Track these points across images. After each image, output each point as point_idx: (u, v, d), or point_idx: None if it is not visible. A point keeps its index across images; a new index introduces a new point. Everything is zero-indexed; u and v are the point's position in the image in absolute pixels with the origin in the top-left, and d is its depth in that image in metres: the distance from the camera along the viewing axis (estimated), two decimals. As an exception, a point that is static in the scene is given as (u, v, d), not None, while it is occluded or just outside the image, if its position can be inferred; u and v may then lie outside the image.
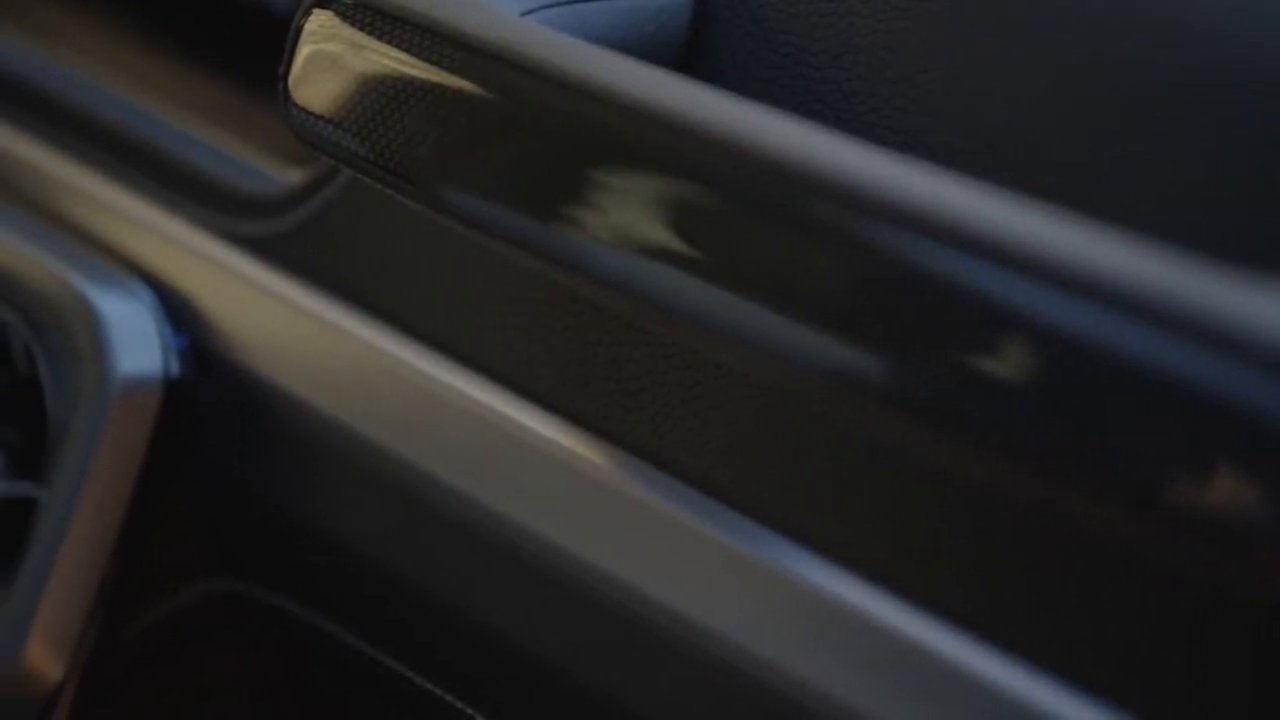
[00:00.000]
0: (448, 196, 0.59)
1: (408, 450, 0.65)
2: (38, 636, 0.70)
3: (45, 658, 0.70)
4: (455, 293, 0.65)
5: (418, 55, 0.57)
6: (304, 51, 0.59)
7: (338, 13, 0.58)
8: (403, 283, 0.67)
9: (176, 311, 0.71)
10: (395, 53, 0.57)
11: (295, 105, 0.60)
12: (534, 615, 0.62)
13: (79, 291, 0.70)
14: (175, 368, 0.70)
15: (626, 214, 0.55)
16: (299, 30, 0.59)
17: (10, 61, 0.79)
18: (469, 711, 0.65)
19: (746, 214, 0.53)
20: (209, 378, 0.70)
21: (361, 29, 0.58)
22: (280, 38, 0.64)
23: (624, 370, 0.62)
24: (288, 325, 0.69)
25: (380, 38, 0.57)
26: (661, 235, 0.54)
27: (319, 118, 0.59)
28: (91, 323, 0.69)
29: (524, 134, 0.57)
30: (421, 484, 0.64)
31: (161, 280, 0.72)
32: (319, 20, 0.59)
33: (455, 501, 0.63)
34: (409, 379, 0.65)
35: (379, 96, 0.58)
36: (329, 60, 0.59)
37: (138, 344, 0.70)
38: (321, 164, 0.69)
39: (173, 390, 0.70)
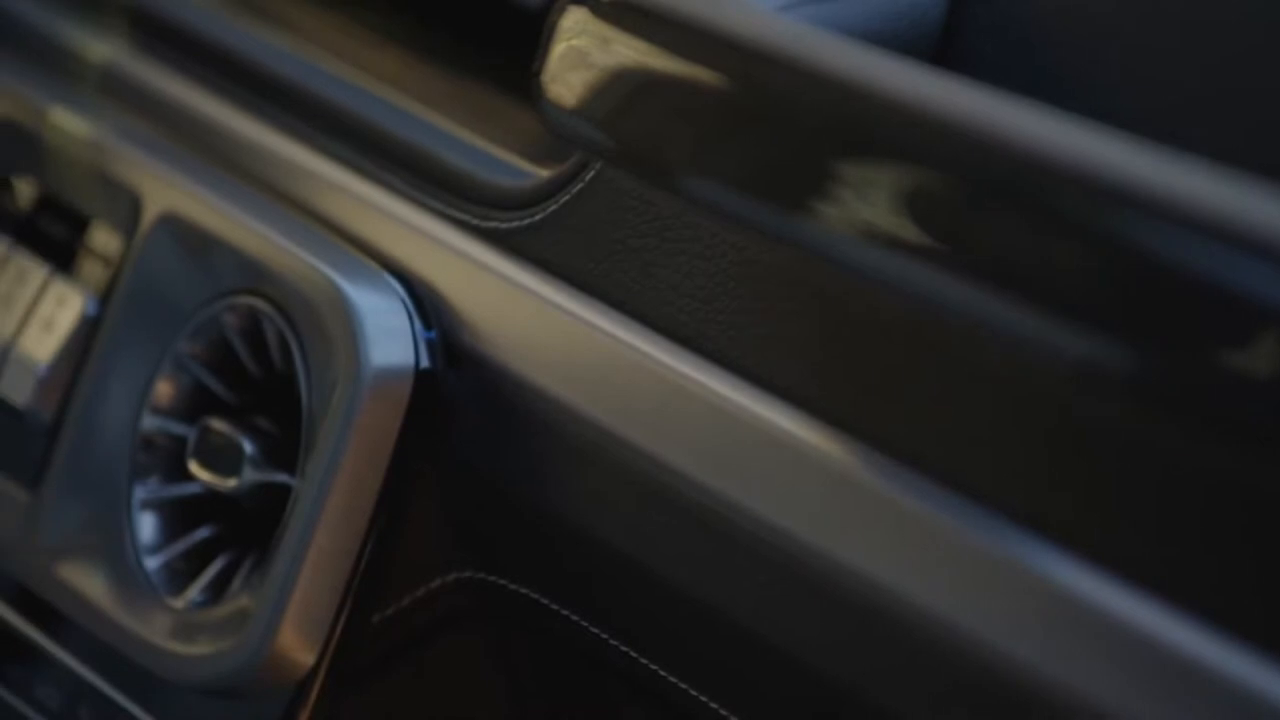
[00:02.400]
0: (699, 188, 0.59)
1: (652, 443, 0.65)
2: (290, 622, 0.71)
3: (297, 643, 0.72)
4: (701, 287, 0.66)
5: (672, 50, 0.57)
6: (559, 47, 0.60)
7: (593, 9, 0.59)
8: (650, 276, 0.67)
9: (427, 305, 0.72)
10: (650, 48, 0.58)
11: (549, 100, 0.60)
12: (775, 608, 0.62)
13: (334, 285, 0.71)
14: (425, 360, 0.71)
15: (881, 206, 0.55)
16: (554, 26, 0.60)
17: (269, 61, 0.81)
18: (711, 704, 0.65)
19: (999, 205, 0.53)
20: (458, 370, 0.71)
21: (617, 25, 0.59)
22: (532, 34, 0.65)
23: (869, 364, 0.61)
24: (536, 319, 0.69)
25: (635, 33, 0.58)
26: (913, 227, 0.54)
27: (573, 112, 0.60)
28: (346, 316, 0.70)
29: (778, 127, 0.57)
30: (665, 477, 0.65)
31: (413, 274, 0.73)
32: (574, 17, 0.59)
33: (699, 495, 0.64)
34: (655, 373, 0.66)
35: (633, 91, 0.59)
36: (584, 56, 0.59)
37: (390, 336, 0.71)
38: (571, 158, 0.69)
39: (423, 382, 0.71)
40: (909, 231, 0.54)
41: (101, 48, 0.85)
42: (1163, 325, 0.50)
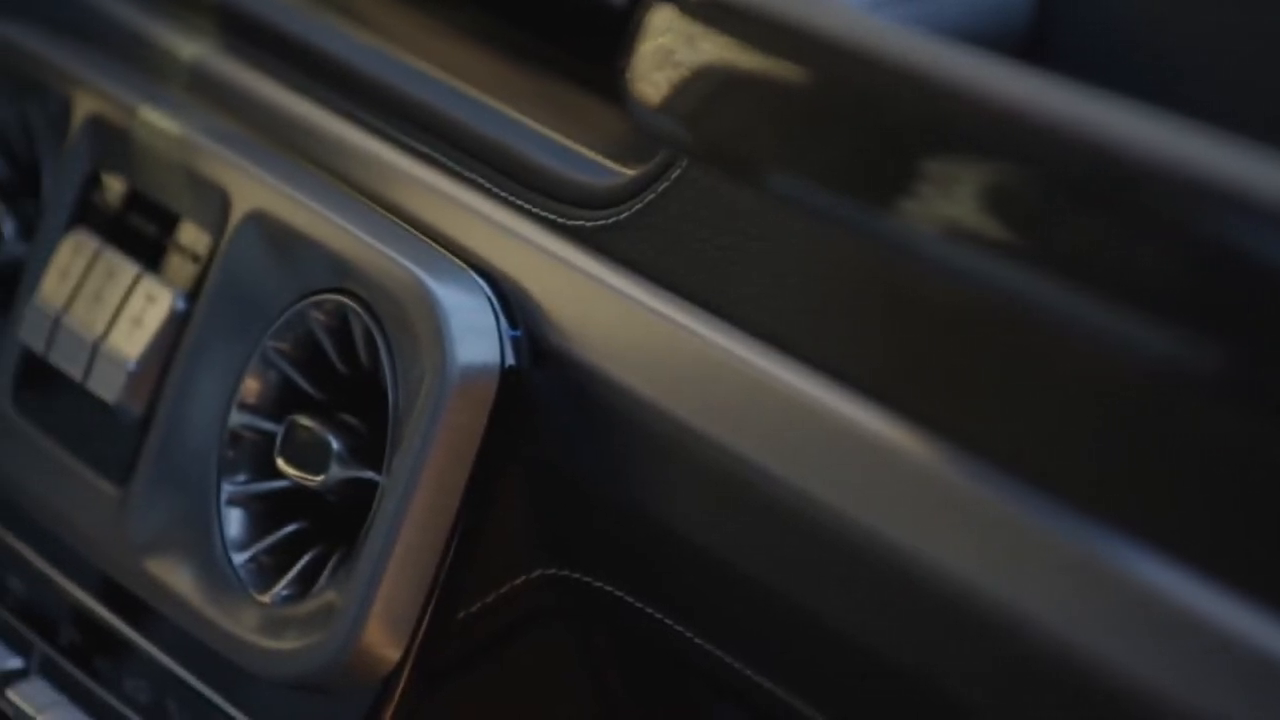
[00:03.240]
0: (785, 185, 0.59)
1: (736, 440, 0.65)
2: (376, 619, 0.71)
3: (383, 639, 0.72)
4: (785, 284, 0.66)
5: (760, 48, 0.58)
6: (646, 45, 0.60)
7: (681, 8, 0.59)
8: (735, 275, 0.67)
9: (512, 302, 0.72)
10: (738, 46, 0.58)
11: (637, 98, 0.61)
12: (859, 605, 0.62)
13: (421, 283, 0.71)
14: (511, 358, 0.72)
15: (966, 203, 0.55)
16: (642, 25, 0.60)
17: (356, 59, 0.81)
18: (797, 703, 0.65)
19: (1087, 201, 0.53)
20: (543, 368, 0.71)
21: (705, 23, 0.59)
22: (618, 32, 0.65)
23: (952, 361, 0.61)
24: (621, 317, 0.69)
25: (723, 31, 0.58)
26: (998, 223, 0.54)
27: (660, 109, 0.60)
28: (432, 313, 0.71)
29: (864, 124, 0.57)
30: (749, 474, 0.65)
31: (498, 272, 0.73)
32: (662, 15, 0.59)
33: (783, 492, 0.64)
34: (739, 370, 0.66)
35: (720, 88, 0.59)
36: (671, 54, 0.59)
37: (476, 334, 0.71)
38: (657, 156, 0.69)
39: (508, 380, 0.71)
40: (993, 228, 0.54)
41: (191, 46, 0.86)
42: (1254, 322, 0.50)
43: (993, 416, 0.59)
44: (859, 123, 0.57)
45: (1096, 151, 0.52)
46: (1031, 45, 0.64)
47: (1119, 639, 0.56)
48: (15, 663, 0.85)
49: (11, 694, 0.84)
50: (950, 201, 0.55)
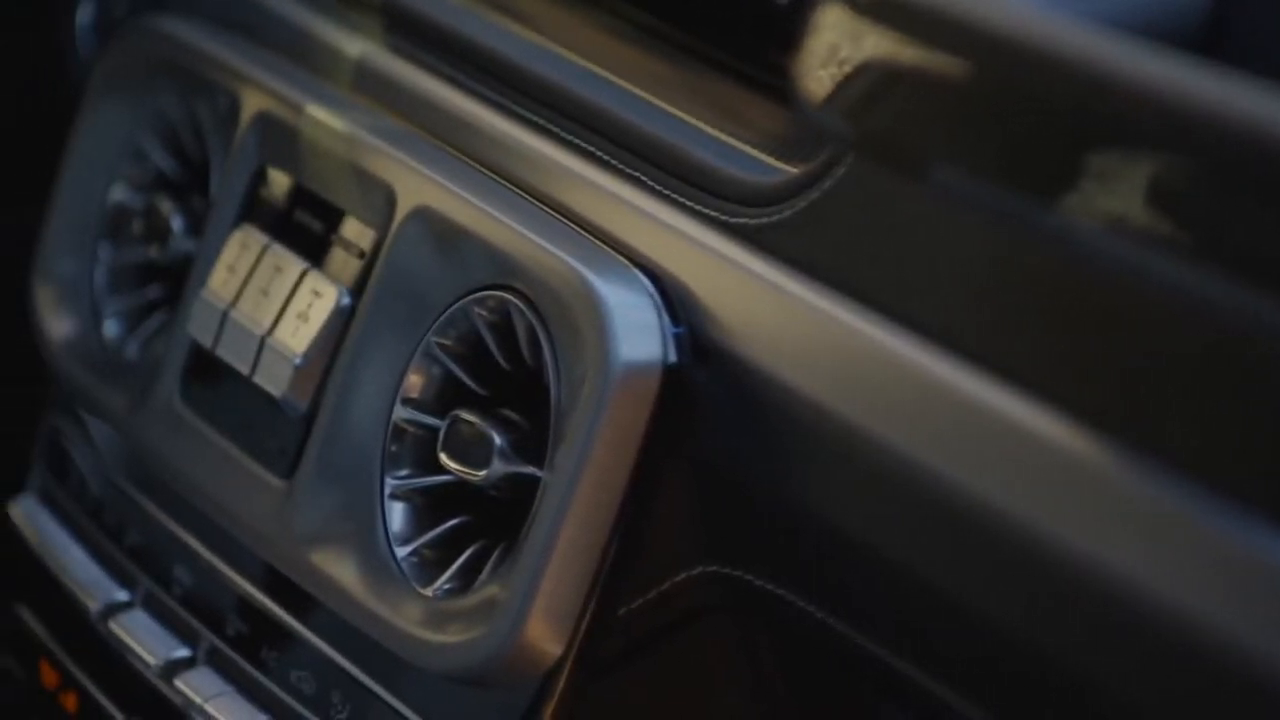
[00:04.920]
0: (953, 182, 0.59)
1: (902, 439, 0.65)
2: (539, 613, 0.72)
3: (545, 634, 0.72)
4: (950, 283, 0.65)
5: (930, 45, 0.57)
6: (814, 42, 0.60)
7: (851, 6, 0.59)
8: (898, 273, 0.66)
9: (675, 300, 0.72)
10: (910, 43, 0.57)
11: (804, 93, 0.60)
12: (1028, 604, 0.61)
13: (584, 280, 0.72)
14: (673, 355, 0.72)
15: (1137, 199, 0.54)
16: (811, 23, 0.60)
17: (519, 56, 0.81)
18: (966, 704, 0.64)
19: (1261, 197, 0.52)
20: (705, 365, 0.71)
21: (874, 19, 0.58)
22: (779, 30, 0.65)
23: (1123, 360, 0.60)
24: (784, 314, 0.69)
25: (895, 28, 0.57)
26: (1171, 220, 0.54)
27: (827, 105, 0.60)
28: (595, 310, 0.71)
29: (1036, 120, 0.57)
30: (915, 474, 0.64)
31: (660, 269, 0.73)
32: (832, 14, 0.59)
33: (951, 492, 0.63)
34: (904, 369, 0.65)
35: (887, 83, 0.58)
36: (841, 51, 0.59)
37: (639, 331, 0.71)
38: (821, 154, 0.69)
39: (671, 377, 0.71)
40: (1163, 224, 0.54)
41: (356, 44, 0.87)
42: None
43: (1166, 416, 0.58)
44: (1026, 117, 0.57)
45: (1271, 146, 0.51)
46: (1207, 40, 0.63)
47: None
48: (183, 652, 0.87)
49: (179, 683, 0.85)
50: (1118, 196, 0.54)
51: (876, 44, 0.58)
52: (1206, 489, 0.57)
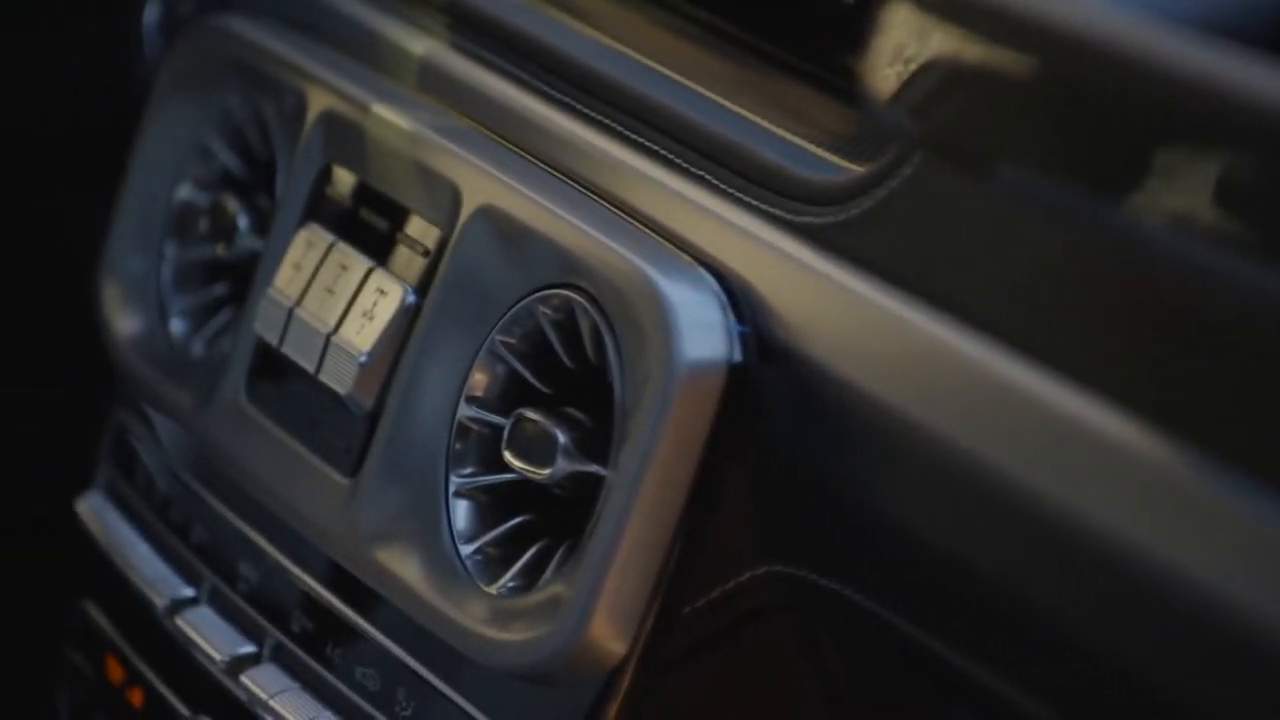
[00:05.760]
0: (1022, 180, 0.59)
1: (970, 440, 0.65)
2: (603, 612, 0.72)
3: (609, 633, 0.72)
4: (1019, 283, 0.65)
5: (998, 43, 0.57)
6: (881, 41, 0.60)
7: (919, 4, 0.59)
8: (966, 272, 0.66)
9: (740, 299, 0.72)
10: (977, 41, 0.57)
11: (871, 92, 0.60)
12: (1095, 604, 0.61)
13: (648, 279, 0.72)
14: (738, 354, 0.71)
15: (1205, 197, 0.54)
16: (877, 21, 0.60)
17: (583, 55, 0.82)
18: (1023, 700, 0.64)
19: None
20: (771, 365, 0.71)
21: (940, 17, 0.58)
22: (845, 29, 0.65)
23: (1194, 363, 0.60)
24: (850, 314, 0.69)
25: (962, 26, 0.57)
26: (1239, 219, 0.53)
27: (894, 103, 0.60)
28: (660, 309, 0.71)
29: (1106, 117, 0.56)
30: (983, 475, 0.64)
31: (725, 268, 0.73)
32: (900, 12, 0.59)
33: (1017, 491, 0.63)
34: (972, 370, 0.65)
35: (954, 81, 0.58)
36: (905, 49, 0.59)
37: (703, 330, 0.71)
38: (887, 152, 0.69)
39: (735, 376, 0.71)
40: (1231, 223, 0.53)
41: (421, 43, 0.87)
42: None
43: (1236, 418, 0.58)
44: (1092, 114, 0.57)
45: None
46: (1277, 38, 0.63)
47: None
48: (249, 648, 0.87)
49: (245, 679, 0.86)
50: (1184, 194, 0.54)
51: (943, 42, 0.58)
52: (1277, 492, 0.57)
